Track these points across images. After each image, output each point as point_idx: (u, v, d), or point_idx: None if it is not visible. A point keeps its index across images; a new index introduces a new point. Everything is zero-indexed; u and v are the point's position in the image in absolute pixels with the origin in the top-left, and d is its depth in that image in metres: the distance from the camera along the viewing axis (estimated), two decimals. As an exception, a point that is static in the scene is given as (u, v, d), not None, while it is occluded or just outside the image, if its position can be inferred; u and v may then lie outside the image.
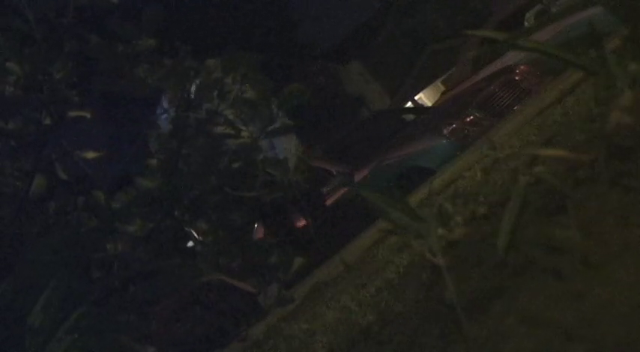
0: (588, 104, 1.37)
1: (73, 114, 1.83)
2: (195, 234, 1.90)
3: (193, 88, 1.73)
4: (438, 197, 1.63)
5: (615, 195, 0.87)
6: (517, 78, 4.99)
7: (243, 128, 1.79)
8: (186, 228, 1.87)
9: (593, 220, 0.85)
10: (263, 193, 1.92)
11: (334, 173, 4.30)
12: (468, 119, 5.01)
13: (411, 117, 6.62)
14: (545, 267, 0.84)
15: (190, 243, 1.91)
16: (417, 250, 1.06)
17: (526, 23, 5.59)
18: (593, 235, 0.82)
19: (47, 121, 1.78)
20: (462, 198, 1.38)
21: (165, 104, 3.26)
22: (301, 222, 6.33)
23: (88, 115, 1.86)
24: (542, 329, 0.74)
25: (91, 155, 1.88)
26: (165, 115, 3.18)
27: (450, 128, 5.12)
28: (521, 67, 5.05)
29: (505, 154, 1.69)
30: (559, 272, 0.80)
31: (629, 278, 0.71)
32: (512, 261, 0.89)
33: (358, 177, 4.46)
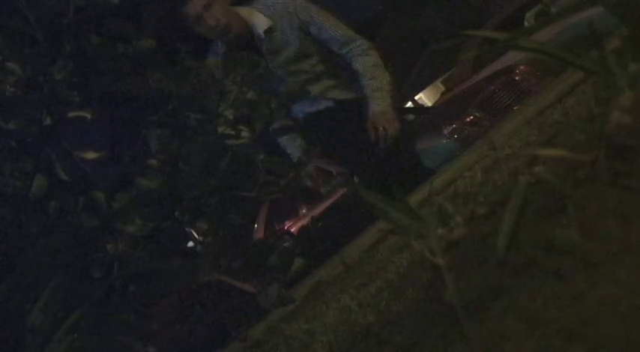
0: (588, 104, 1.38)
1: (73, 114, 1.83)
2: (196, 234, 1.90)
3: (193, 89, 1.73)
4: (438, 197, 1.63)
5: (615, 194, 0.87)
6: (517, 78, 5.00)
7: (244, 128, 1.80)
8: (186, 228, 1.87)
9: (593, 220, 0.85)
10: (263, 193, 1.92)
11: (334, 173, 4.25)
12: (468, 119, 5.02)
13: (411, 117, 6.63)
14: (545, 267, 0.84)
15: (190, 243, 1.91)
16: (417, 250, 1.06)
17: (526, 23, 5.59)
18: (593, 235, 0.82)
19: (47, 121, 1.78)
20: (462, 198, 1.38)
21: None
22: (303, 221, 6.31)
23: (89, 116, 1.86)
24: (542, 328, 0.74)
25: (91, 155, 1.88)
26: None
27: (450, 128, 5.13)
28: (521, 67, 5.06)
29: (505, 154, 1.69)
30: (559, 272, 0.81)
31: (630, 278, 0.71)
32: (512, 260, 0.89)
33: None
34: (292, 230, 6.44)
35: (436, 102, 7.18)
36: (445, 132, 5.04)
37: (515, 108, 4.61)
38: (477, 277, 0.94)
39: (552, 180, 0.89)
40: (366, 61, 3.22)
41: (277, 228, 6.66)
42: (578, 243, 0.81)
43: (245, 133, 1.79)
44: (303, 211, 6.48)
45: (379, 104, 3.15)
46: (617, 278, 0.73)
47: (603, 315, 0.69)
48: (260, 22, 3.16)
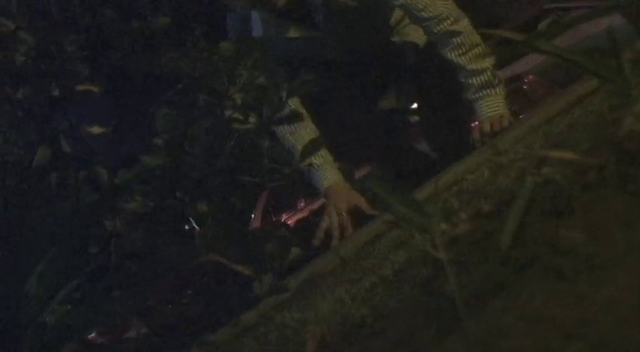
0: (599, 112, 1.38)
1: (82, 88, 1.83)
2: (194, 223, 1.90)
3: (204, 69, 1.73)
4: (443, 193, 1.63)
5: (623, 199, 0.87)
6: (525, 87, 4.99)
7: (252, 113, 1.79)
8: (186, 210, 1.87)
9: (598, 223, 0.85)
10: (266, 180, 1.92)
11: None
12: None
13: (416, 118, 6.63)
14: (548, 267, 0.84)
15: (189, 225, 1.92)
16: (419, 245, 1.06)
17: (539, 33, 5.58)
18: (598, 237, 0.83)
19: (56, 93, 1.78)
20: (468, 194, 1.38)
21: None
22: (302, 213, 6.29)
23: (97, 90, 1.86)
24: (541, 326, 0.75)
25: (97, 130, 1.88)
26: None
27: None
28: (530, 77, 5.04)
29: (509, 160, 1.69)
30: (562, 272, 0.81)
31: (633, 280, 0.71)
32: (515, 258, 0.89)
33: (360, 174, 4.40)
34: (289, 222, 6.43)
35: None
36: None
37: (521, 116, 4.60)
38: (478, 273, 0.94)
39: (560, 181, 0.90)
40: (457, 44, 2.37)
41: (274, 219, 6.65)
42: (583, 244, 0.81)
43: (252, 119, 1.79)
44: (302, 204, 6.47)
45: (492, 105, 2.40)
46: (619, 281, 0.73)
47: (604, 316, 0.69)
48: None
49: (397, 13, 2.58)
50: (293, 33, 2.38)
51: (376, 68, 2.66)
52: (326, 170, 2.38)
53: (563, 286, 0.79)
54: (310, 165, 2.26)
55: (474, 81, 2.38)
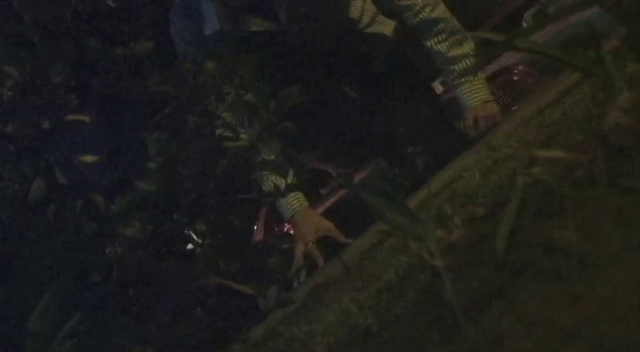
0: (586, 105, 1.38)
1: (71, 118, 1.84)
2: (195, 237, 1.90)
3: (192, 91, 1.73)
4: (436, 198, 1.63)
5: (613, 195, 0.87)
6: (515, 78, 4.98)
7: (242, 131, 1.80)
8: (185, 231, 1.87)
9: (591, 221, 0.85)
10: (262, 195, 1.92)
11: (334, 175, 4.22)
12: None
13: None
14: (543, 268, 0.84)
15: (189, 246, 1.91)
16: (416, 252, 1.06)
17: (524, 24, 5.57)
18: (591, 235, 0.83)
19: (46, 125, 1.79)
20: (461, 199, 1.38)
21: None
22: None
23: (87, 119, 1.86)
24: (540, 329, 0.75)
25: (89, 159, 1.88)
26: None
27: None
28: (520, 67, 5.03)
29: (504, 155, 1.69)
30: (558, 273, 0.81)
31: (628, 278, 0.71)
32: (510, 261, 0.89)
33: (358, 178, 4.39)
34: (292, 232, 6.39)
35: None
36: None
37: (513, 108, 4.59)
38: (475, 278, 0.94)
39: (550, 181, 0.90)
40: (437, 31, 2.32)
41: (277, 229, 6.63)
42: (577, 244, 0.81)
43: (244, 135, 1.79)
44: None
45: (476, 91, 2.37)
46: (615, 279, 0.73)
47: (602, 316, 0.69)
48: None
49: (362, 7, 2.45)
50: (255, 26, 2.28)
51: (343, 63, 2.54)
52: (290, 196, 2.27)
53: (560, 287, 0.79)
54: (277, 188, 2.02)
55: (456, 67, 2.35)
